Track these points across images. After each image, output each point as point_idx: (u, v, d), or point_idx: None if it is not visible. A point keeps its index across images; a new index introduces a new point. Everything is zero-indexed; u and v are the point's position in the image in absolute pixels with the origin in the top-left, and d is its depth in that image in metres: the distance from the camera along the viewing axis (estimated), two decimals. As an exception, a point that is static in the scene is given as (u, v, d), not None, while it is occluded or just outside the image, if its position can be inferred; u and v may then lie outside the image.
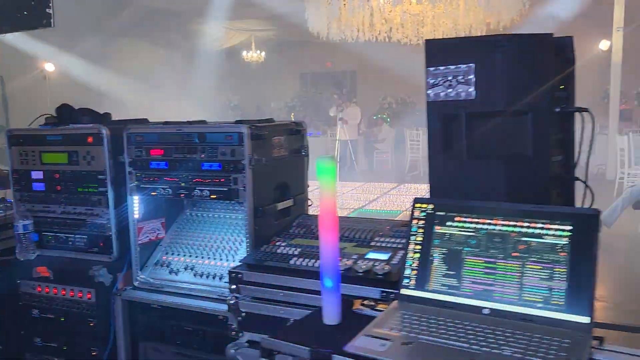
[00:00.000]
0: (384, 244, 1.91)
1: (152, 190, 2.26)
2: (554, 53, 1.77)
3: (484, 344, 1.22)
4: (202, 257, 2.33)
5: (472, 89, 1.80)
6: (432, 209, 1.53)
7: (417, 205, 1.55)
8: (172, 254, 2.40)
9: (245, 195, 2.08)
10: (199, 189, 2.16)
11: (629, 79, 11.88)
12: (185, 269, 2.31)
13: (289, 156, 2.34)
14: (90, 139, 2.31)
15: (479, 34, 10.32)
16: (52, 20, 5.32)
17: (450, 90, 1.84)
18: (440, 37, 9.83)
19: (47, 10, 5.25)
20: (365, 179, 11.82)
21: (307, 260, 1.84)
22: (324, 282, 1.39)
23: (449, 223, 1.49)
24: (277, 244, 2.01)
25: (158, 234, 2.45)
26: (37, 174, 2.45)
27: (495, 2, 8.95)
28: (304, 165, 2.46)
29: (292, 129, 2.39)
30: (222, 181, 2.11)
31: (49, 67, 13.55)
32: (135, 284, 2.34)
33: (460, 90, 1.82)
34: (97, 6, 11.88)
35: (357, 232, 2.03)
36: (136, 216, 2.32)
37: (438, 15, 9.09)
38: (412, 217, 1.54)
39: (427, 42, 1.89)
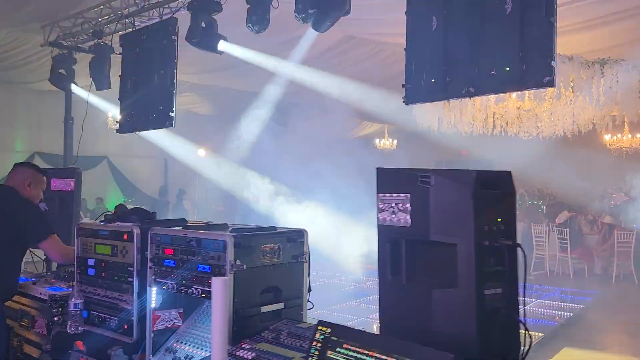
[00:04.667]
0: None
1: (163, 285, 2.63)
2: (485, 187, 1.80)
3: None
4: (202, 348, 2.58)
5: (408, 217, 1.91)
6: (329, 333, 1.63)
7: (319, 327, 1.67)
8: (182, 342, 2.70)
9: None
10: (194, 287, 2.48)
11: None
12: (186, 357, 2.58)
13: (284, 262, 2.56)
14: (125, 236, 2.79)
15: (603, 130, 9.71)
16: (173, 122, 6.32)
17: (393, 216, 1.96)
18: (561, 131, 9.42)
19: (170, 114, 6.28)
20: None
21: (252, 365, 2.01)
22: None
23: (338, 349, 1.59)
24: (243, 345, 2.21)
25: (175, 322, 2.78)
26: (91, 261, 2.98)
27: (622, 97, 8.42)
28: (302, 270, 2.65)
29: (291, 236, 2.62)
30: (210, 282, 2.40)
31: (200, 152, 15.53)
32: (147, 366, 2.66)
33: (400, 217, 1.94)
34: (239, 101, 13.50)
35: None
36: (153, 305, 2.69)
37: (556, 111, 8.79)
38: (312, 339, 1.66)
39: (378, 170, 2.05)
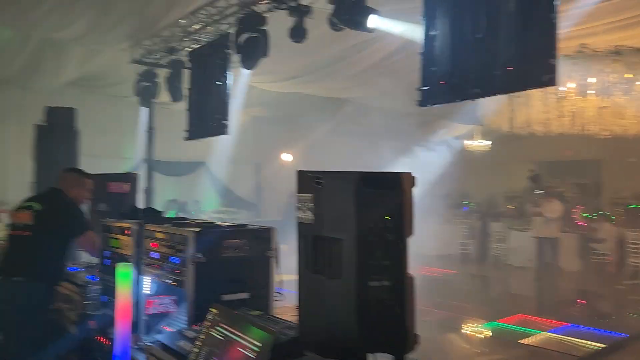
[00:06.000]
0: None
1: (152, 274, 3.01)
2: (370, 187, 1.93)
3: None
4: (183, 331, 2.93)
5: (312, 215, 2.09)
6: (216, 314, 1.88)
7: (211, 309, 1.92)
8: (170, 325, 3.06)
9: (188, 285, 2.65)
10: (170, 277, 2.82)
11: None
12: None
13: (249, 256, 2.82)
14: (127, 232, 3.21)
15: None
16: (227, 130, 6.83)
17: (304, 214, 2.16)
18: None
19: (224, 122, 6.79)
20: (568, 282, 10.59)
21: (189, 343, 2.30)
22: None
23: (217, 327, 1.83)
24: (194, 327, 2.50)
25: (168, 307, 3.15)
26: (107, 253, 3.46)
27: None
28: (268, 264, 2.89)
29: (258, 233, 2.88)
30: (178, 272, 2.73)
31: (286, 157, 16.23)
32: (139, 344, 3.06)
33: (308, 215, 2.13)
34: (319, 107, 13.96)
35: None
36: (146, 292, 3.08)
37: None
38: (205, 319, 1.91)
39: (297, 172, 2.24)
